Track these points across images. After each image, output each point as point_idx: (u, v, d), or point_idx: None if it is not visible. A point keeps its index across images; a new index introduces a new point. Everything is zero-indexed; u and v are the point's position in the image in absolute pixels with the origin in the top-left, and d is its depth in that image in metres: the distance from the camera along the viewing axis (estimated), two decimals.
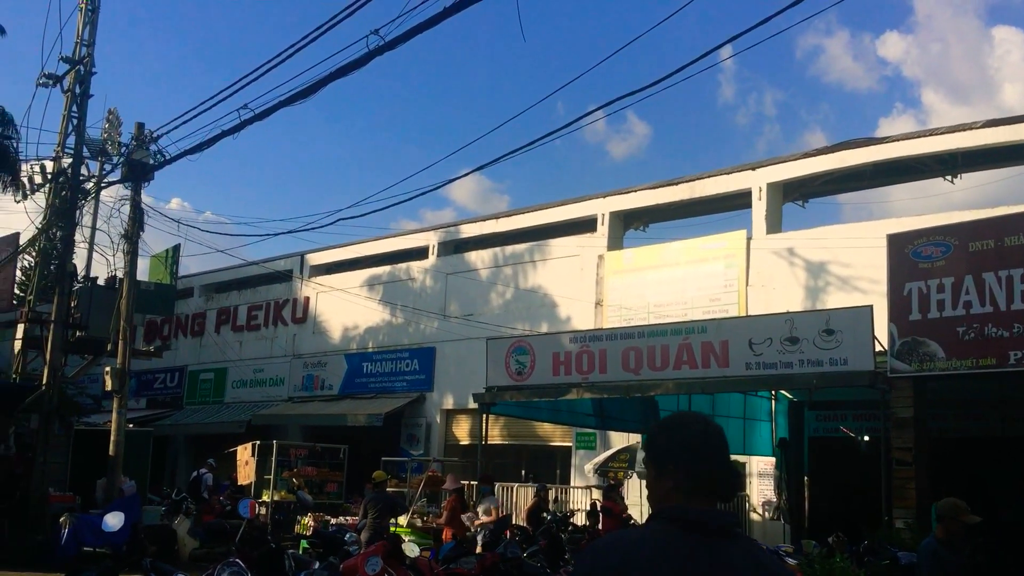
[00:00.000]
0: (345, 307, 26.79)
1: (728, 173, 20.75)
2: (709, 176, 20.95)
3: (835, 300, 17.14)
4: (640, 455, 19.03)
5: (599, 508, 16.21)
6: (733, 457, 17.99)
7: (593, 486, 19.02)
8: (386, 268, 26.95)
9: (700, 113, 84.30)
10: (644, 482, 2.48)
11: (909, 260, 11.93)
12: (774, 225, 19.70)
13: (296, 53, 11.17)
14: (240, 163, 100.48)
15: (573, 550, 11.55)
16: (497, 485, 19.93)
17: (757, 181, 19.88)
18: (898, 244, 12.19)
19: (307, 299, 28.48)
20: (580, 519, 16.96)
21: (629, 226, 23.25)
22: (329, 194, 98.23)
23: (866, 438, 16.21)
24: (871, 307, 11.75)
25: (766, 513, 18.23)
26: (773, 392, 17.25)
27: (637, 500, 19.62)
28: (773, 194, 19.82)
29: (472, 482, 17.91)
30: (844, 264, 17.93)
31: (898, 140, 18.55)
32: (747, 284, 19.26)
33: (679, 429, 2.41)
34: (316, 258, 28.71)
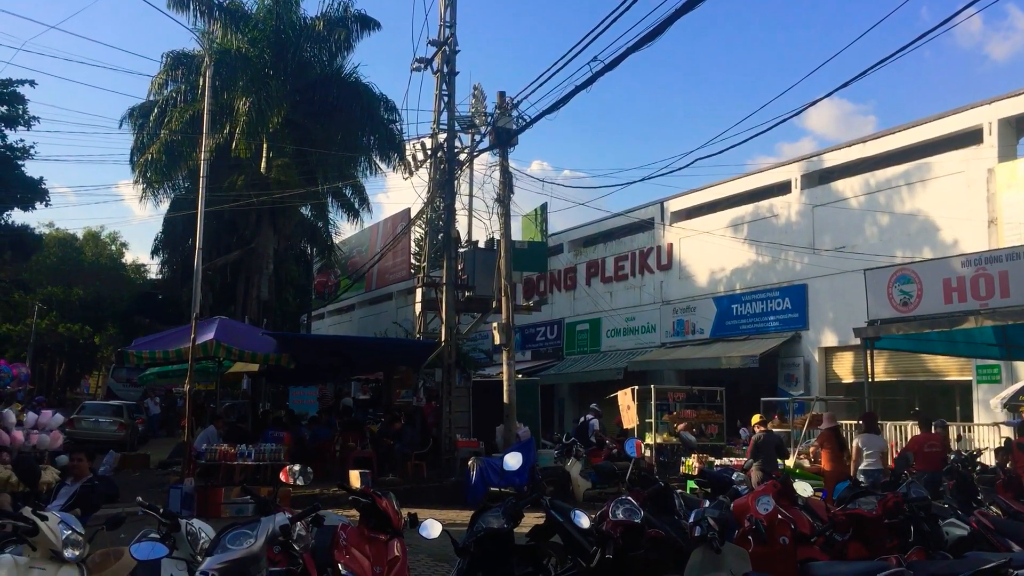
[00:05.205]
0: (709, 250, 26.59)
1: None
2: None
3: None
4: None
5: (1015, 445, 14.63)
6: None
7: (1001, 423, 17.24)
8: (748, 207, 26.25)
9: None
10: None
11: None
12: None
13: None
14: (593, 117, 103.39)
15: (986, 491, 10.53)
16: (888, 424, 18.80)
17: None
18: None
19: (670, 245, 28.64)
20: (987, 458, 15.42)
21: (1023, 133, 20.55)
22: (681, 139, 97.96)
23: None
24: None
25: None
26: None
27: None
28: None
29: (849, 421, 17.04)
30: None
31: None
32: None
33: None
34: (676, 204, 28.73)
